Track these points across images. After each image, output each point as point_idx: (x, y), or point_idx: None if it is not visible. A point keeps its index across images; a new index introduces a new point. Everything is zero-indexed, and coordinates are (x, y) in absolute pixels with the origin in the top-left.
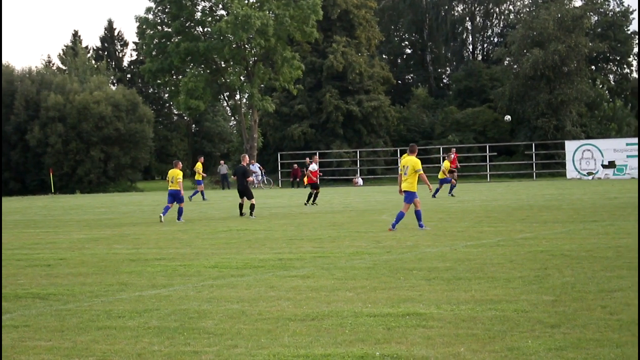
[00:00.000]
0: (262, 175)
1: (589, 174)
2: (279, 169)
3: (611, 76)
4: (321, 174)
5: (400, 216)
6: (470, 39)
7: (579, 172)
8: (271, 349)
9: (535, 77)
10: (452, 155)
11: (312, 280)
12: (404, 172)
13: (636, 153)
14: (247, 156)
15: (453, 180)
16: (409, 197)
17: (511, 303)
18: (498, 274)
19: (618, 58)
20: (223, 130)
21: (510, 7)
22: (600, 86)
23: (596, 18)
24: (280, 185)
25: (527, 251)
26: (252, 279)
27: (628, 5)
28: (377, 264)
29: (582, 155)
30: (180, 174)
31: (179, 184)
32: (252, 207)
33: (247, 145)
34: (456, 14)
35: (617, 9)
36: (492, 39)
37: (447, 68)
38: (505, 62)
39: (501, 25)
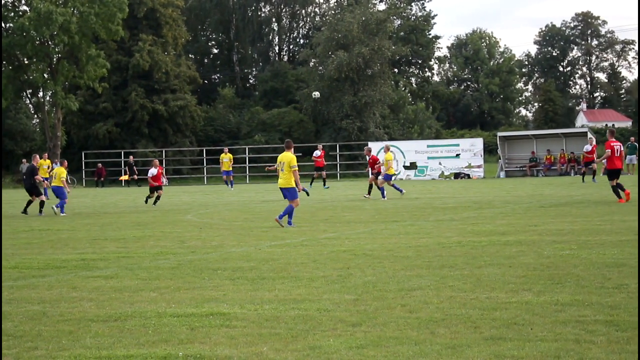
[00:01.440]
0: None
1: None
2: (83, 168)
3: (413, 79)
4: (167, 177)
5: (289, 209)
6: (277, 39)
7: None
8: (72, 351)
9: (340, 79)
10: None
11: (115, 281)
12: (281, 169)
13: (436, 155)
14: (37, 156)
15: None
16: (288, 193)
17: (314, 302)
18: (301, 273)
19: (420, 61)
20: (25, 129)
21: (316, 9)
22: (403, 89)
23: (399, 22)
24: (84, 185)
25: (330, 251)
26: (54, 279)
27: (430, 10)
28: (181, 264)
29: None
30: (64, 172)
31: (62, 181)
32: (41, 204)
33: (50, 144)
34: (263, 14)
35: (420, 14)
36: (298, 40)
37: (254, 68)
38: (311, 64)
39: (307, 27)
